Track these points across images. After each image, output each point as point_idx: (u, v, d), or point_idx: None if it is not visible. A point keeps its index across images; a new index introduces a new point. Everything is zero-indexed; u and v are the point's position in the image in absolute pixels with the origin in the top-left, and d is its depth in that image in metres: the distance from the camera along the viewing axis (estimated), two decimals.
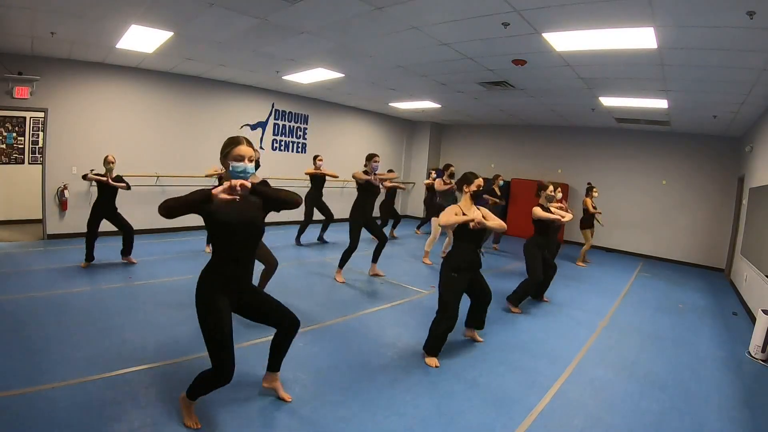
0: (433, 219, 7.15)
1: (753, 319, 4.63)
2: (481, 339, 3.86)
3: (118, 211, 5.48)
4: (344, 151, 10.73)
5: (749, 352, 4.09)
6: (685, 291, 6.63)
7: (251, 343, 3.36)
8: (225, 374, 2.15)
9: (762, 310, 4.04)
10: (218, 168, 5.98)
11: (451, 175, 7.09)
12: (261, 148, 8.95)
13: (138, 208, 7.32)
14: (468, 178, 3.51)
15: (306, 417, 2.50)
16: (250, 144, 2.22)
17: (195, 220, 8.23)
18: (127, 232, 5.43)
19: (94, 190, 6.78)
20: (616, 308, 5.31)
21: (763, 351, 3.95)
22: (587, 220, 7.83)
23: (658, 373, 3.50)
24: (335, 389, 2.84)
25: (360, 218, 5.34)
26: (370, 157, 5.38)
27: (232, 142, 2.19)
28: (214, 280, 2.19)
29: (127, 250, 5.48)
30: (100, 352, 3.06)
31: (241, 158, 2.15)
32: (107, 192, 5.35)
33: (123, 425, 2.26)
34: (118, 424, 2.27)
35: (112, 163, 5.28)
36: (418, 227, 10.08)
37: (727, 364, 3.83)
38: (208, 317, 2.14)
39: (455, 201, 3.66)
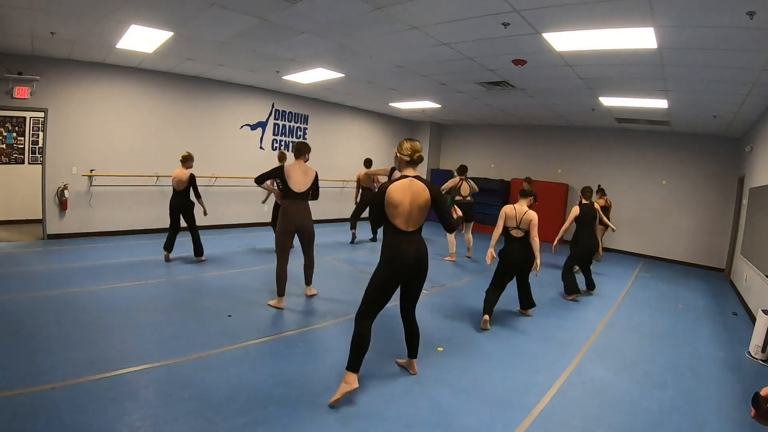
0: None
1: (753, 319, 4.63)
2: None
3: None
4: (344, 151, 10.74)
5: (749, 352, 4.09)
6: (685, 291, 6.63)
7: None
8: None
9: (762, 310, 4.04)
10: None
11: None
12: (261, 148, 8.96)
13: (137, 208, 7.34)
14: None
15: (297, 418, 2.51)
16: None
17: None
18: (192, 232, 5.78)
19: (94, 190, 6.81)
20: (616, 308, 5.31)
21: (763, 351, 3.95)
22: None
23: (658, 373, 3.50)
24: (333, 391, 2.84)
25: None
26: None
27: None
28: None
29: (198, 250, 5.78)
30: (100, 352, 3.06)
31: None
32: (184, 190, 5.67)
33: (123, 425, 2.26)
34: (118, 424, 2.27)
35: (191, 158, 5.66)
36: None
37: (726, 364, 3.83)
38: None
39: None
